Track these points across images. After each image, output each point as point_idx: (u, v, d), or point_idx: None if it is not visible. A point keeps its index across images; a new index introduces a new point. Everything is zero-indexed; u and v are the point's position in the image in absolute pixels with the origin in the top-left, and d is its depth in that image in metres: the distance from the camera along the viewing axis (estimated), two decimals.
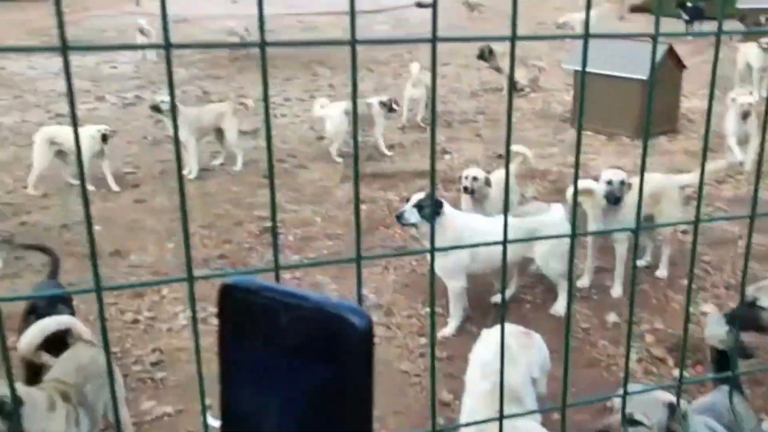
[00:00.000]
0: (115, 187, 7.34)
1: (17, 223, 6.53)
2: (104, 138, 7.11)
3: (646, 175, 1.66)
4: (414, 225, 4.49)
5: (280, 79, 12.89)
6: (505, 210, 0.97)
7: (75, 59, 15.14)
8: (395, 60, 14.35)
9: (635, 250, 1.20)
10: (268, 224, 6.51)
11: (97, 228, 6.39)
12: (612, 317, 4.90)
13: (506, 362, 1.27)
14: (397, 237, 6.17)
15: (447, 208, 4.53)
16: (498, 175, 5.65)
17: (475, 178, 5.32)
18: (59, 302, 3.49)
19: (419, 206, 4.40)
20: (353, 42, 0.75)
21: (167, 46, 0.73)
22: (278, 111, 10.63)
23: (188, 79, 12.95)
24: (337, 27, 19.99)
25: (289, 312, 0.51)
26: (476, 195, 5.34)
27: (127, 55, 15.37)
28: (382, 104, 8.51)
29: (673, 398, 2.30)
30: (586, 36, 0.91)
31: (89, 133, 7.06)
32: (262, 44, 0.75)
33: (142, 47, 1.16)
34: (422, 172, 7.82)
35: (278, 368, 0.52)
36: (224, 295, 0.54)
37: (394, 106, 8.61)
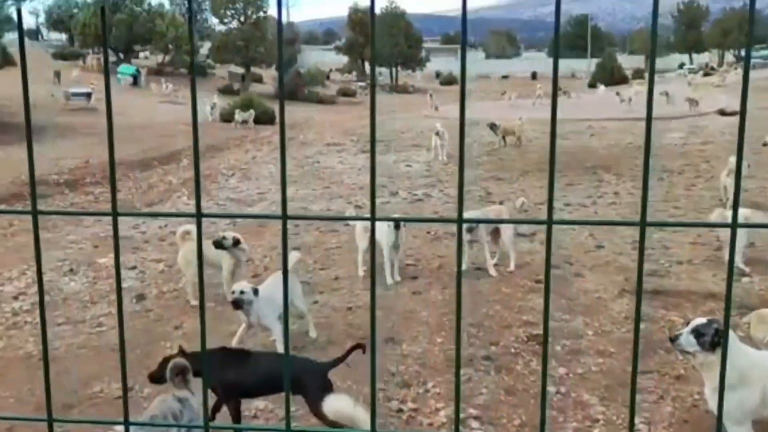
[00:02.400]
0: (397, 277, 7.83)
1: (310, 302, 7.26)
2: (397, 226, 7.59)
3: None
4: (690, 353, 4.06)
5: (562, 184, 12.88)
6: None
7: (377, 157, 16.85)
8: (689, 170, 13.49)
9: None
10: (536, 331, 6.40)
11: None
12: None
13: None
14: (678, 364, 5.61)
15: (732, 338, 4.00)
16: None
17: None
18: None
19: (698, 333, 3.98)
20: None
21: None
22: (557, 216, 10.58)
23: (473, 180, 13.58)
24: (625, 132, 19.52)
25: None
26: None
27: (422, 154, 16.69)
28: None
29: None
30: None
31: (388, 223, 7.66)
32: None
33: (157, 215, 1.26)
34: (714, 294, 7.08)
35: None
36: None
37: None
